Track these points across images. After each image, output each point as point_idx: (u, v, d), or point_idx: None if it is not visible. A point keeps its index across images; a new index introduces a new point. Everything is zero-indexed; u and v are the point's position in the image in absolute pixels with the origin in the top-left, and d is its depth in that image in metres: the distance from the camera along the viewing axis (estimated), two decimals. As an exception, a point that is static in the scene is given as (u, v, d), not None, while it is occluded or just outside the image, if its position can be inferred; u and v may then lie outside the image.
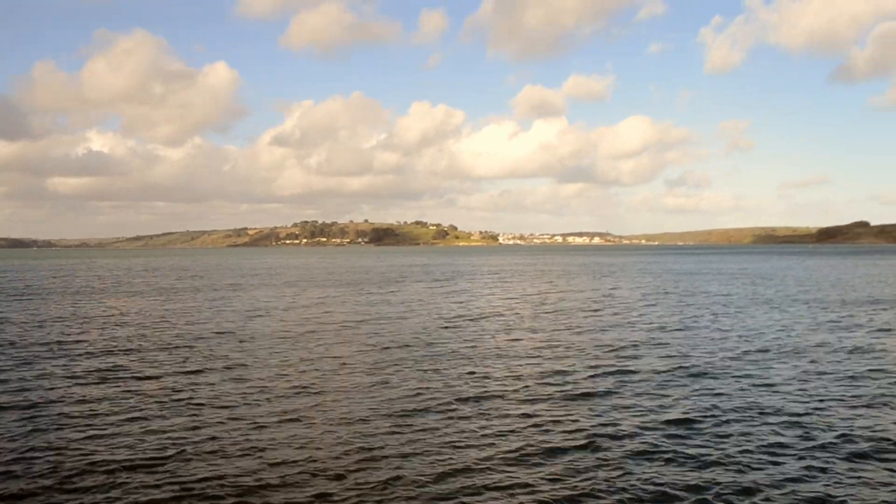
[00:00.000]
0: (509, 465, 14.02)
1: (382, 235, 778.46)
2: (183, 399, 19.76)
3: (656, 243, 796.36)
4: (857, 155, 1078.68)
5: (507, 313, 43.33)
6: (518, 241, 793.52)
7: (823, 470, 13.72)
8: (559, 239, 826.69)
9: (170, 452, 14.80)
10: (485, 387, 21.03)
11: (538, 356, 27.13)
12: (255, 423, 17.02)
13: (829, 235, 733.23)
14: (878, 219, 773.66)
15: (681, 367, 24.33)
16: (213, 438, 15.74)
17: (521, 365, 25.17)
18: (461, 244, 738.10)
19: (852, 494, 12.61)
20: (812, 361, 25.44)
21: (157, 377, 23.14)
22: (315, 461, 14.13)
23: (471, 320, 39.62)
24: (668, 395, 19.95)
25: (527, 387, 21.10)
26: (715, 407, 18.56)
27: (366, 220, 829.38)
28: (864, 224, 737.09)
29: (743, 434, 16.07)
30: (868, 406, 18.85)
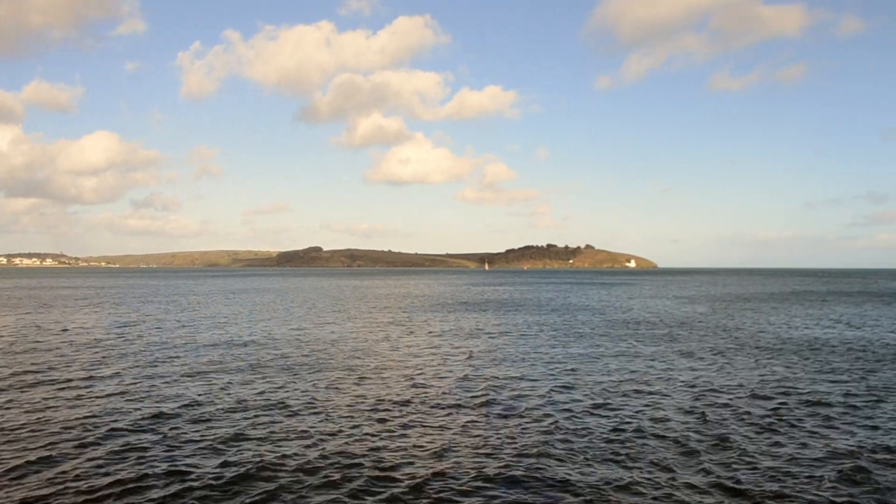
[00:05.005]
0: None
1: None
2: None
3: (117, 266, 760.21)
4: (314, 187, 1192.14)
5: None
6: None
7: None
8: (3, 260, 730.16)
9: None
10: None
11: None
12: None
13: (287, 259, 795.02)
14: (330, 245, 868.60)
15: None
16: None
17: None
18: None
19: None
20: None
21: None
22: None
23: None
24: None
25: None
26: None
27: None
28: (318, 249, 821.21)
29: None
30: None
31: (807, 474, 14.29)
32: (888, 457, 15.55)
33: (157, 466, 14.39)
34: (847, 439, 17.03)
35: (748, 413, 19.91)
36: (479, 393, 22.48)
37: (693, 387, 23.98)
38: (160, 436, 16.86)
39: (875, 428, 18.21)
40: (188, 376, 25.29)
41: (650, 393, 22.85)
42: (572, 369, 27.72)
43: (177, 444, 16.12)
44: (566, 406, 20.63)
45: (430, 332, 41.94)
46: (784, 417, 19.37)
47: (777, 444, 16.62)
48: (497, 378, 25.39)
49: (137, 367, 27.40)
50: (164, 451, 15.51)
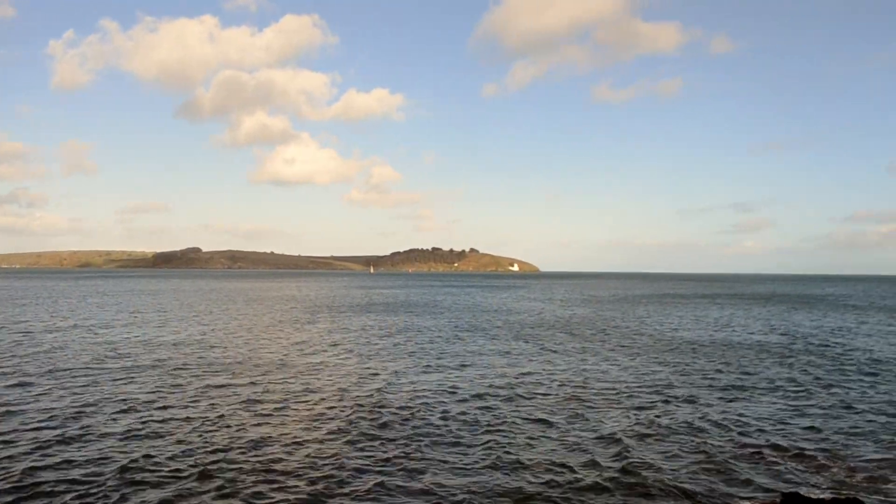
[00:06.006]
0: None
1: None
2: None
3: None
4: (195, 186, 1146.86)
5: None
6: None
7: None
8: None
9: None
10: None
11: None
12: None
13: (164, 260, 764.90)
14: (209, 246, 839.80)
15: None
16: None
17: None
18: None
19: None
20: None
21: None
22: None
23: None
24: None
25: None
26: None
27: None
28: (198, 250, 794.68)
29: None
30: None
31: (675, 465, 15.36)
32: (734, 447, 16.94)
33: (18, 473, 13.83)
34: (716, 435, 18.40)
35: (620, 406, 21.09)
36: (365, 391, 22.70)
37: (573, 382, 25.10)
38: (25, 444, 16.15)
39: (728, 419, 19.76)
40: (58, 381, 24.20)
41: (532, 386, 23.76)
42: (460, 365, 28.36)
43: (47, 451, 15.55)
44: (447, 402, 21.18)
45: (320, 335, 41.68)
46: (657, 411, 20.67)
47: (647, 433, 17.77)
48: (383, 376, 25.67)
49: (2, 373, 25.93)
50: (33, 459, 14.90)
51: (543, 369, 28.61)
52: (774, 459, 15.87)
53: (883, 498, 13.20)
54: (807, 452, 16.41)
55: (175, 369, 27.28)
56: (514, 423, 18.92)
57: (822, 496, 13.07)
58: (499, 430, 17.94)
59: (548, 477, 14.32)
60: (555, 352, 34.59)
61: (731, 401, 22.67)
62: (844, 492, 13.36)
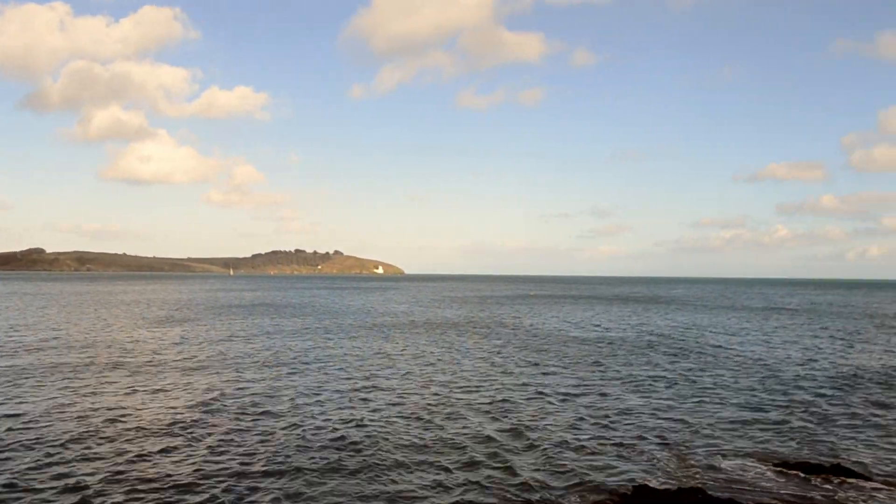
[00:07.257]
0: None
1: None
2: None
3: None
4: (38, 182, 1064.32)
5: None
6: None
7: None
8: None
9: None
10: None
11: None
12: None
13: (3, 261, 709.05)
14: (55, 246, 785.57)
15: None
16: None
17: None
18: None
19: None
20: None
21: None
22: None
23: None
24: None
25: None
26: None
27: None
28: (41, 251, 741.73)
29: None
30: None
31: (531, 458, 16.32)
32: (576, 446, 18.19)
33: None
34: (573, 428, 19.59)
35: (485, 402, 21.98)
36: (229, 396, 22.49)
37: (441, 380, 25.82)
38: None
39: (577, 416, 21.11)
40: None
41: (403, 386, 24.29)
42: (327, 367, 28.45)
43: None
44: (314, 404, 21.36)
45: (182, 339, 40.39)
46: (519, 406, 21.69)
47: (509, 428, 18.68)
48: (250, 381, 25.42)
49: None
50: None
51: (415, 369, 29.18)
52: (626, 452, 17.12)
53: (725, 487, 14.61)
54: (657, 444, 17.81)
55: (19, 377, 25.82)
56: (384, 422, 19.39)
57: (669, 487, 14.30)
58: (371, 432, 18.25)
59: (418, 475, 14.86)
60: (424, 351, 35.22)
61: (587, 395, 24.17)
62: (692, 482, 14.68)
